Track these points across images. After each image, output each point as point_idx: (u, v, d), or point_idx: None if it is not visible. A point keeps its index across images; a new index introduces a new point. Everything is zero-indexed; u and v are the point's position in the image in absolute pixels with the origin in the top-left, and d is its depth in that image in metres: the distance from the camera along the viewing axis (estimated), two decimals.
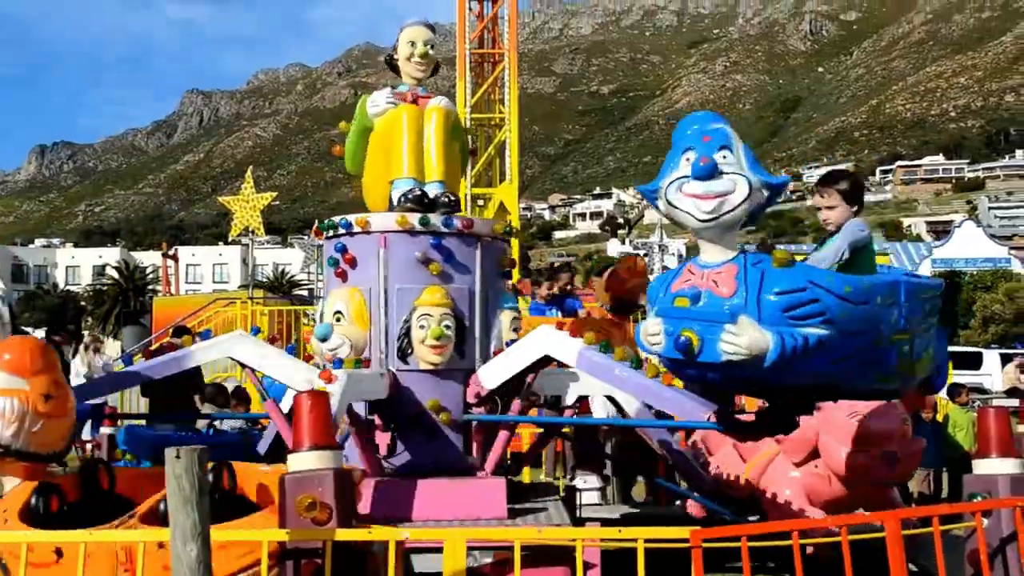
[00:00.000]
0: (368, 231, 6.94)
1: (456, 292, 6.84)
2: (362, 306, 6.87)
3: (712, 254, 5.48)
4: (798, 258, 5.78)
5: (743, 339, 5.08)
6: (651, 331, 5.50)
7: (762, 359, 5.09)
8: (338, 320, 6.90)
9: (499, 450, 6.85)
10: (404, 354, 6.77)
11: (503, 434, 6.85)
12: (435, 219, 6.84)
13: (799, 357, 5.12)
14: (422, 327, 6.67)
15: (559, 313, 10.20)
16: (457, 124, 7.56)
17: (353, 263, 6.99)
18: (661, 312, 5.54)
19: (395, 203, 7.00)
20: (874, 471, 7.31)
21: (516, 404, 6.77)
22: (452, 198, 6.96)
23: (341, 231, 7.05)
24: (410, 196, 6.92)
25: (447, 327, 6.67)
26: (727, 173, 5.32)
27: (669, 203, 5.48)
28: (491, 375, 6.70)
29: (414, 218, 6.81)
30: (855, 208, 6.25)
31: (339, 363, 6.54)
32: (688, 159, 5.40)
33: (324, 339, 6.86)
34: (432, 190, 6.98)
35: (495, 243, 7.19)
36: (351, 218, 7.06)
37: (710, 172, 5.29)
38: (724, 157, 5.36)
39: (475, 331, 6.95)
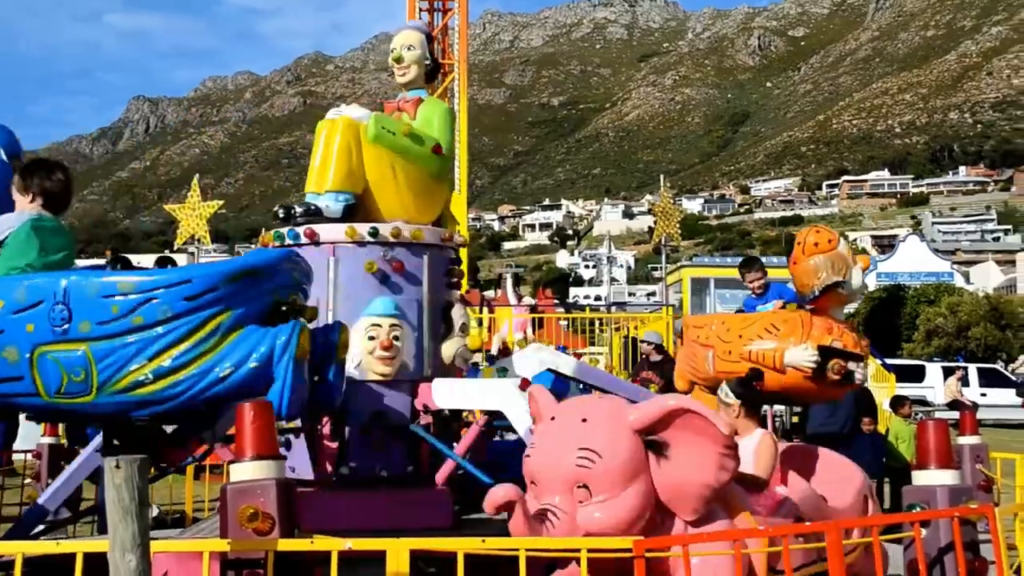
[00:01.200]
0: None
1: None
2: None
3: None
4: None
5: None
6: None
7: None
8: None
9: (450, 465, 6.84)
10: None
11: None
12: (287, 232, 6.96)
13: None
14: None
15: (775, 304, 9.41)
16: (376, 130, 7.33)
17: None
18: None
19: None
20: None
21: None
22: (305, 208, 6.95)
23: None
24: (279, 212, 7.14)
25: None
26: None
27: None
28: (443, 397, 6.73)
29: (275, 235, 7.04)
30: (30, 197, 5.48)
31: None
32: None
33: None
34: (323, 201, 6.98)
35: (362, 249, 7.03)
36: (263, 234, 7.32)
37: None
38: None
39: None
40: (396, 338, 6.63)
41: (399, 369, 6.72)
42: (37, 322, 4.74)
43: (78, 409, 4.95)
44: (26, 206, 5.43)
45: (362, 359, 6.60)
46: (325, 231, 6.91)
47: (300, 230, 6.92)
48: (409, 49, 7.62)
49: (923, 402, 29.94)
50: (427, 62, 7.72)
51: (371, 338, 6.60)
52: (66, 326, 4.73)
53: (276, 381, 4.92)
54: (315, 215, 6.93)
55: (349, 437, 6.76)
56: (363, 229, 6.86)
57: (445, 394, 6.75)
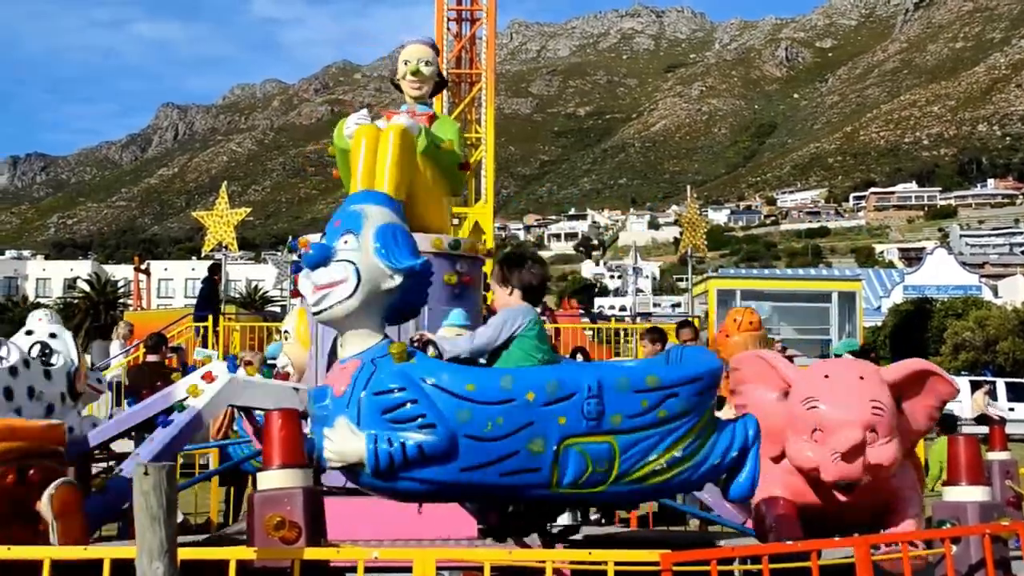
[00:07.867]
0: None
1: None
2: (306, 326, 7.03)
3: (347, 347, 4.96)
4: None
5: (335, 444, 4.68)
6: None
7: (363, 466, 4.65)
8: (286, 339, 7.07)
9: None
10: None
11: None
12: (448, 242, 7.08)
13: (404, 465, 4.62)
14: None
15: None
16: (427, 141, 7.41)
17: None
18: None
19: None
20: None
21: None
22: None
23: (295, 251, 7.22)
24: None
25: None
26: (340, 260, 4.84)
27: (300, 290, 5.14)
28: None
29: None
30: (510, 290, 5.47)
31: (232, 366, 6.61)
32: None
33: (273, 357, 7.04)
34: None
35: (436, 260, 7.03)
36: (299, 239, 7.23)
37: (314, 260, 4.85)
38: (346, 242, 4.88)
39: None
40: None
41: None
42: (569, 414, 4.82)
43: (586, 498, 5.41)
44: (508, 299, 5.47)
45: None
46: None
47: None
48: (427, 64, 7.74)
49: (951, 416, 29.70)
50: (436, 78, 7.94)
51: None
52: (592, 420, 4.85)
53: (747, 466, 5.31)
54: None
55: None
56: (446, 241, 7.00)
57: None
